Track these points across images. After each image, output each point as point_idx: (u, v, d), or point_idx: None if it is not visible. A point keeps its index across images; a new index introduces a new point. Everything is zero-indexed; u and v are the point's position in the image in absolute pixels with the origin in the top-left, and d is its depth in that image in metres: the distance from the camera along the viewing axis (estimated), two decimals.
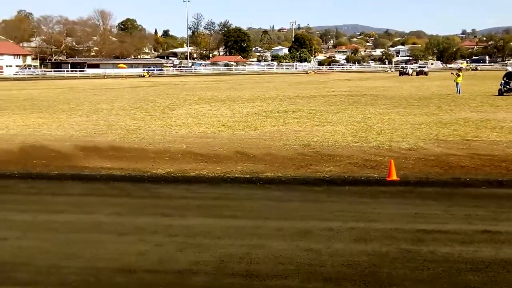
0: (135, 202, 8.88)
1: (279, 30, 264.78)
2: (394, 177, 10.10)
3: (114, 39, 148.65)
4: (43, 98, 34.83)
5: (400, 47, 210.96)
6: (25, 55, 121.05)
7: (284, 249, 6.16)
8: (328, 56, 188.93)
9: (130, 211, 8.26)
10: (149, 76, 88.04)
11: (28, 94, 39.39)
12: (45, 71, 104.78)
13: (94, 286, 5.31)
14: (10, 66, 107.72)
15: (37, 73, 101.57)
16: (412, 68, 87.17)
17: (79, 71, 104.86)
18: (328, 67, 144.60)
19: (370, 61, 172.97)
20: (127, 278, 5.49)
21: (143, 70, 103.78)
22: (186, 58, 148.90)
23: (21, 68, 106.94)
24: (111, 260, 5.99)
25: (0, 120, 21.10)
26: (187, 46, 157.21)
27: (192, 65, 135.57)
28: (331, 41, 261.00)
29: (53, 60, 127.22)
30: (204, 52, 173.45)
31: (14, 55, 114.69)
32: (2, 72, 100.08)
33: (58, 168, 11.85)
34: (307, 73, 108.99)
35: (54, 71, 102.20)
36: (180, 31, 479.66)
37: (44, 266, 5.85)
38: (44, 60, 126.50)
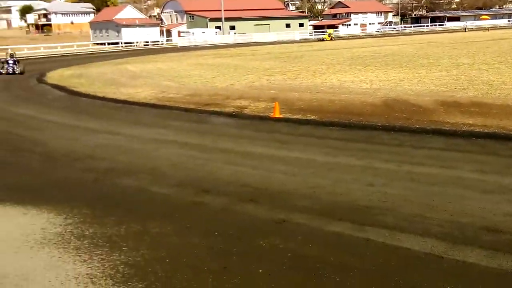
0: (501, 161, 8.44)
1: None
2: None
3: None
4: (403, 54, 35.63)
5: None
6: (386, 12, 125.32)
7: None
8: None
9: (495, 170, 7.89)
10: None
11: (389, 50, 40.87)
12: (404, 27, 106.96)
13: (459, 240, 5.31)
14: (373, 23, 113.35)
15: (397, 29, 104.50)
16: None
17: (439, 25, 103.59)
18: None
19: None
20: (494, 237, 5.32)
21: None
22: None
23: (382, 25, 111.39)
24: (475, 217, 5.89)
25: (364, 75, 22.53)
26: None
27: None
28: None
29: (413, 15, 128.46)
30: None
31: (376, 12, 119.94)
32: (366, 29, 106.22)
33: (418, 122, 12.08)
34: None
35: (414, 26, 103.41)
36: None
37: (408, 214, 6.13)
38: (404, 16, 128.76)
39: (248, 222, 6.11)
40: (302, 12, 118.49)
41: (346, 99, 15.86)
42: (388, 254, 5.07)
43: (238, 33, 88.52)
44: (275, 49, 53.62)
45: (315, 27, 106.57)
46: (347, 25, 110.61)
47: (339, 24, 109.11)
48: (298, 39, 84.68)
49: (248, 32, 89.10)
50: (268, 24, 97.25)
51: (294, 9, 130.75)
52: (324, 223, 5.95)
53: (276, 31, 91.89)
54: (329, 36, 75.61)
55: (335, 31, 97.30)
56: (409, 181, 7.53)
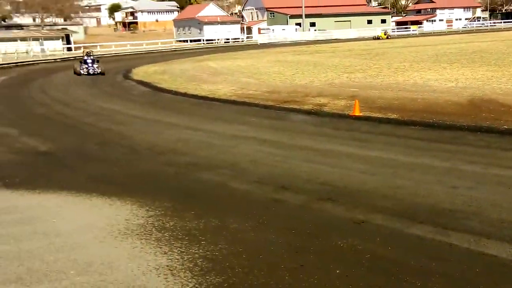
0: None
1: None
2: None
3: None
4: (492, 51, 34.03)
5: None
6: (474, 7, 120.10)
7: None
8: None
9: None
10: None
11: (477, 47, 39.16)
12: (494, 23, 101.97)
13: None
14: (459, 19, 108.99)
15: (485, 25, 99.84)
16: None
17: None
18: None
19: None
20: None
21: None
22: None
23: (470, 21, 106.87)
24: None
25: (449, 73, 21.72)
26: None
27: None
28: None
29: (503, 11, 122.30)
30: None
31: (463, 7, 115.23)
32: (452, 25, 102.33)
33: (508, 122, 11.48)
34: None
35: (504, 22, 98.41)
36: None
37: (495, 219, 5.84)
38: (493, 11, 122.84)
39: (326, 221, 6.05)
40: (385, 8, 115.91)
41: (430, 97, 15.35)
42: (473, 261, 4.86)
43: (318, 30, 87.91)
44: (356, 46, 52.81)
45: (398, 23, 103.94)
46: (432, 21, 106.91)
47: (423, 20, 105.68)
48: None
49: (329, 28, 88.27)
50: (349, 21, 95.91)
51: (376, 5, 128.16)
52: (405, 225, 5.78)
53: (357, 28, 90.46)
54: (385, 34, 73.17)
55: (419, 27, 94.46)
56: (496, 184, 7.18)
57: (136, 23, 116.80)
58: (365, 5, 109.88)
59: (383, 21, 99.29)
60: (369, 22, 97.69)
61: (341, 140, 10.79)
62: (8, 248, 5.50)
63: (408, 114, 13.06)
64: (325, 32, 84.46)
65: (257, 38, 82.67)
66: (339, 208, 6.47)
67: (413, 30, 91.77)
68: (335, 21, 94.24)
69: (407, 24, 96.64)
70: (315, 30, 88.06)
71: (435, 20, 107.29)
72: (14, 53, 51.78)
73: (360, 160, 8.86)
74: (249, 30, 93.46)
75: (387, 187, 7.22)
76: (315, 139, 10.93)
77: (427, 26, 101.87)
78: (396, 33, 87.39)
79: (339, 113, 14.01)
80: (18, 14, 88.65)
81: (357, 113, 13.43)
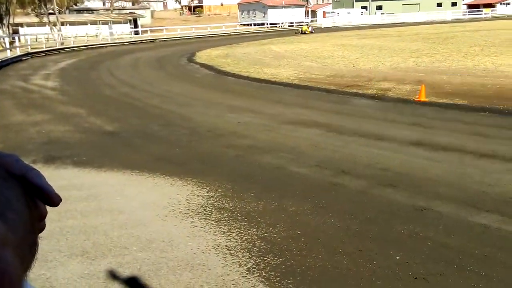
0: None
1: None
2: None
3: None
4: None
5: None
6: None
7: None
8: None
9: None
10: None
11: None
12: None
13: None
14: None
15: None
16: None
17: None
18: None
19: None
20: None
21: None
22: None
23: None
24: None
25: None
26: None
27: None
28: None
29: None
30: None
31: None
32: None
33: None
34: None
35: None
36: None
37: None
38: None
39: (386, 206, 5.94)
40: None
41: (501, 83, 14.71)
42: None
43: (387, 13, 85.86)
44: (423, 29, 51.20)
45: (470, 6, 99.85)
46: (507, 4, 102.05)
47: (496, 3, 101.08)
48: (450, 19, 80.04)
49: (396, 11, 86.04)
50: (418, 4, 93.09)
51: None
52: (469, 213, 5.59)
53: (426, 11, 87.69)
54: (308, 28, 59.42)
55: (492, 10, 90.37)
56: None
57: (201, 7, 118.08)
58: None
59: (454, 4, 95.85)
60: (439, 5, 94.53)
61: (404, 125, 10.52)
62: (75, 223, 5.73)
63: (477, 100, 12.57)
64: (391, 16, 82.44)
65: (321, 21, 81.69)
66: (400, 194, 6.33)
67: (485, 14, 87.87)
68: (403, 4, 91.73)
69: (479, 7, 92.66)
70: (382, 13, 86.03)
71: (509, 3, 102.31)
72: (84, 36, 53.53)
73: (424, 146, 8.61)
74: (313, 13, 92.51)
75: (452, 174, 6.99)
76: (377, 124, 10.71)
77: (500, 9, 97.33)
78: (467, 16, 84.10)
79: (404, 98, 13.66)
80: None
81: (423, 98, 13.05)
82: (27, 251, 0.46)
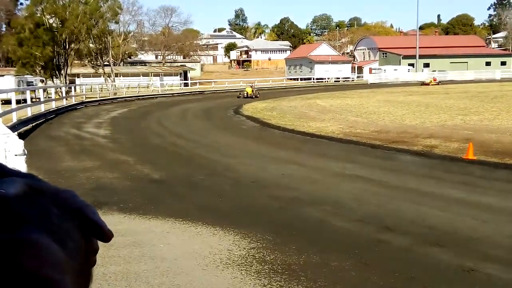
0: None
1: None
2: None
3: None
4: None
5: None
6: None
7: None
8: None
9: None
10: None
11: None
12: None
13: None
14: None
15: None
16: None
17: None
18: None
19: None
20: None
21: None
22: None
23: None
24: None
25: None
26: None
27: None
28: None
29: None
30: None
31: None
32: None
33: None
34: None
35: None
36: None
37: None
38: None
39: (432, 266, 5.78)
40: (506, 49, 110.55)
41: None
42: None
43: (434, 71, 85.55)
44: (472, 87, 50.65)
45: None
46: None
47: None
48: (499, 78, 79.00)
49: (443, 69, 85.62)
50: (466, 62, 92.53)
51: (497, 46, 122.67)
52: None
53: (474, 69, 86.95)
54: (252, 90, 46.81)
55: None
56: None
57: (249, 61, 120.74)
58: (484, 46, 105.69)
59: (503, 63, 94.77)
60: (488, 64, 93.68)
61: (451, 184, 10.31)
62: (118, 269, 5.80)
63: None
64: (439, 73, 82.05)
65: (367, 77, 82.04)
66: (447, 254, 6.15)
67: None
68: (451, 62, 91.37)
69: None
70: (433, 71, 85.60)
71: None
72: (136, 87, 55.38)
73: (472, 205, 8.40)
74: (360, 69, 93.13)
75: (501, 235, 6.77)
76: (423, 181, 10.54)
77: None
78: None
79: (451, 155, 13.43)
80: (142, 52, 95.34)
81: (471, 156, 12.80)
82: (83, 281, 0.48)
